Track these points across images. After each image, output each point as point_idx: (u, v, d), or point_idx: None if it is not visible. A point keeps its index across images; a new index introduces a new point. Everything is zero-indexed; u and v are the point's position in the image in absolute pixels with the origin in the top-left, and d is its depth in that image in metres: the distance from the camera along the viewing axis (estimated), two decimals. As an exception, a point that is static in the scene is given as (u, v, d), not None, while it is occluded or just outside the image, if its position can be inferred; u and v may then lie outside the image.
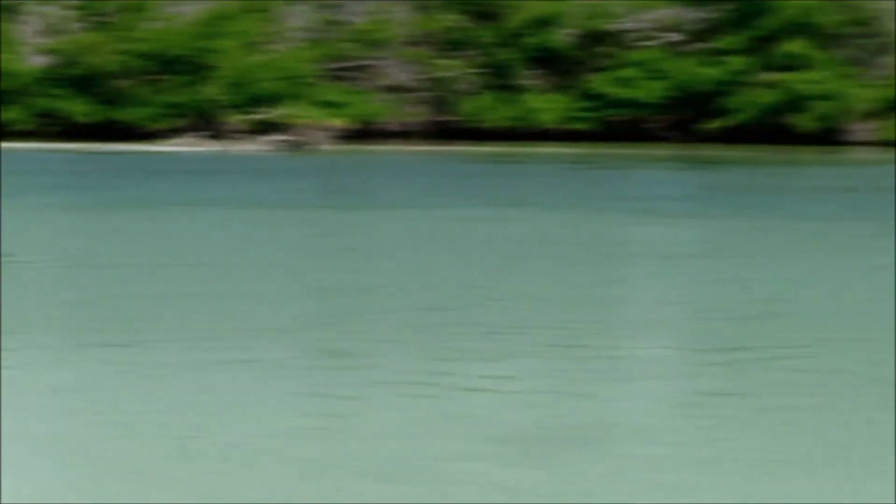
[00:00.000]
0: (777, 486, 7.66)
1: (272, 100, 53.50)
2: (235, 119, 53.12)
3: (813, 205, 28.61)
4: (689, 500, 7.40)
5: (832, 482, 7.80)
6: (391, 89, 56.62)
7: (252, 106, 53.36)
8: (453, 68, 56.35)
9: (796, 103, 53.95)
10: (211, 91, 54.32)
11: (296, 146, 49.58)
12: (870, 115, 54.73)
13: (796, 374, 10.93)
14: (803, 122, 53.80)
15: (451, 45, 56.97)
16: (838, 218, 25.42)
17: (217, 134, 51.92)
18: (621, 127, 55.15)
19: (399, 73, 57.04)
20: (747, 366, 11.22)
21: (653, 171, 40.89)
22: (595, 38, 57.23)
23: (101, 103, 54.79)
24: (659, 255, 19.39)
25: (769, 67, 55.69)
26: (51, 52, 55.71)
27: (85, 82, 54.72)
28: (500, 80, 56.68)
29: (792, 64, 54.95)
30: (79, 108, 54.56)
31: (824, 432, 8.99)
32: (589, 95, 56.07)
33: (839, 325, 13.47)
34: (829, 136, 53.90)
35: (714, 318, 13.86)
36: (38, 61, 55.73)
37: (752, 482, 7.75)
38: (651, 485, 7.65)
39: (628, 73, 55.70)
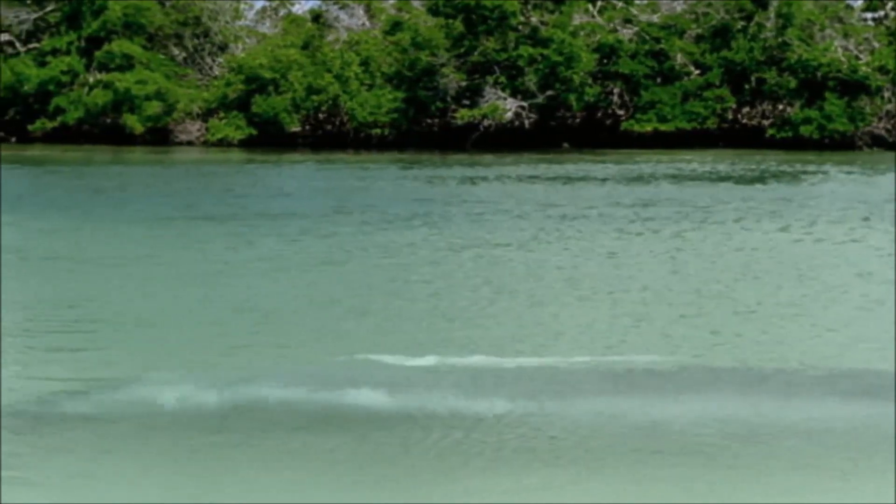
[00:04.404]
0: None
1: None
2: None
3: (144, 205, 28.94)
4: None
5: None
6: None
7: None
8: None
9: (126, 103, 54.10)
10: None
11: None
12: (199, 115, 55.92)
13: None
14: (133, 122, 54.01)
15: None
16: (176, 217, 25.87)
17: None
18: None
19: None
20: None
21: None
22: None
23: None
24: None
25: (99, 67, 55.52)
26: None
27: None
28: None
29: (121, 64, 55.05)
30: None
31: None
32: None
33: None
34: (159, 137, 54.53)
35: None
36: None
37: None
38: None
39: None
